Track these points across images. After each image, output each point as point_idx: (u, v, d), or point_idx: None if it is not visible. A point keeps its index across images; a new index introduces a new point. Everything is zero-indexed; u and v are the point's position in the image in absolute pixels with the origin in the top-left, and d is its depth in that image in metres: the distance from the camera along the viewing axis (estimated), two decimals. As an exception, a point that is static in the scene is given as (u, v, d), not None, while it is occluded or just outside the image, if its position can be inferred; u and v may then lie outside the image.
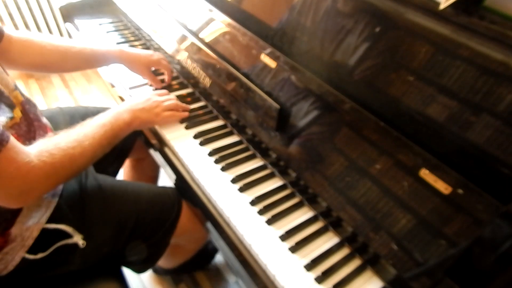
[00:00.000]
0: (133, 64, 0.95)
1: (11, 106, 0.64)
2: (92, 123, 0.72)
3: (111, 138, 0.73)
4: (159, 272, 1.29)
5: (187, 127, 0.86)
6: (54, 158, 0.61)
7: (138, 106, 0.80)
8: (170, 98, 0.88)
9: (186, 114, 0.89)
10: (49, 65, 0.89)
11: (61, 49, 0.87)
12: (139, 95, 0.85)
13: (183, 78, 1.02)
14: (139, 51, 0.96)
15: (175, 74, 1.04)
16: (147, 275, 1.31)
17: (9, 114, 0.63)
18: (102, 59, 0.94)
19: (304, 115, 0.70)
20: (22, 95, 0.71)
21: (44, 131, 0.73)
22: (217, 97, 0.89)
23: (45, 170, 0.60)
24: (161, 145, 0.84)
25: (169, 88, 0.99)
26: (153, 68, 0.99)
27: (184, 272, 1.30)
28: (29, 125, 0.69)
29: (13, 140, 0.56)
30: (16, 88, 0.70)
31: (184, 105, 0.90)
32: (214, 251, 1.30)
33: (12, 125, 0.64)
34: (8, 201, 0.60)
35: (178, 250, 1.14)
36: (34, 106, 0.75)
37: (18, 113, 0.66)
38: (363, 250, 0.62)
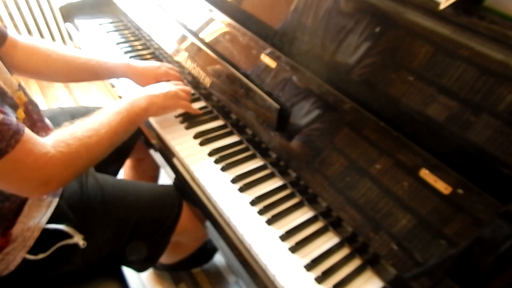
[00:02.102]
0: (140, 78, 0.92)
1: (15, 107, 0.63)
2: (108, 111, 0.71)
3: (127, 125, 0.72)
4: (158, 268, 1.29)
5: (187, 127, 0.86)
6: (70, 148, 0.61)
7: (154, 92, 0.80)
8: (186, 89, 0.87)
9: (199, 111, 0.89)
10: (52, 73, 0.87)
11: (66, 59, 0.86)
12: (154, 84, 0.84)
13: (183, 78, 1.02)
14: (146, 64, 0.92)
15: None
16: (147, 275, 1.32)
17: (12, 116, 0.63)
18: (108, 73, 0.92)
19: (304, 115, 0.70)
20: (26, 95, 0.71)
21: (46, 132, 0.73)
22: (217, 97, 0.89)
23: (62, 160, 0.60)
24: (161, 145, 0.85)
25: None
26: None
27: (183, 269, 1.30)
28: (32, 126, 0.68)
29: (28, 132, 0.57)
30: (19, 88, 0.69)
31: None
32: (213, 250, 1.30)
33: None
34: (29, 192, 0.61)
35: (178, 248, 1.14)
36: (37, 106, 0.75)
37: (21, 114, 0.66)
38: (363, 250, 0.62)
